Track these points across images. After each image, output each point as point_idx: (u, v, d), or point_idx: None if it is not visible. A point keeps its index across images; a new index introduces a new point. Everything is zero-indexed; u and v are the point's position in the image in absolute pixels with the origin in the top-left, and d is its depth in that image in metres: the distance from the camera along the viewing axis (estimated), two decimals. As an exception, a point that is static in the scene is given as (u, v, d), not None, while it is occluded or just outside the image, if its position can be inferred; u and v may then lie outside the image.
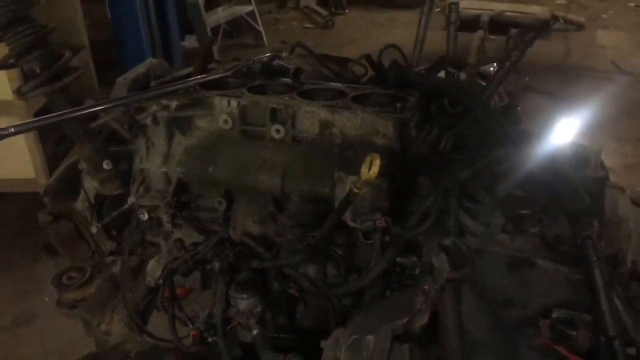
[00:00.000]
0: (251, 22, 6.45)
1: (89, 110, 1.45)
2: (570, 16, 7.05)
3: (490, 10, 6.65)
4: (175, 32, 5.34)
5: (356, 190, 1.18)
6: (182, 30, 5.64)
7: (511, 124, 1.42)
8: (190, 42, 6.00)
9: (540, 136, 1.48)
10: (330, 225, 1.26)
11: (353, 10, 7.80)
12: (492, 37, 6.19)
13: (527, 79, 5.14)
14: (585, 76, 5.68)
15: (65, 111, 1.43)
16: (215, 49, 5.54)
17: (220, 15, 6.14)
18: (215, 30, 5.99)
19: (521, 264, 1.18)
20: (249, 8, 6.35)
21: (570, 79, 5.53)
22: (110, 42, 5.05)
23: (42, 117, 1.40)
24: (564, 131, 2.04)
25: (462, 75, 1.61)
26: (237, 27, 6.63)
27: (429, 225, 1.18)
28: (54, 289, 2.85)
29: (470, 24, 6.33)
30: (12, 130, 1.27)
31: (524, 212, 1.18)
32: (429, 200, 1.20)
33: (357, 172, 1.24)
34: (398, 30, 6.89)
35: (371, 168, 1.12)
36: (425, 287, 1.12)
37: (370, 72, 1.81)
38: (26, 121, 1.38)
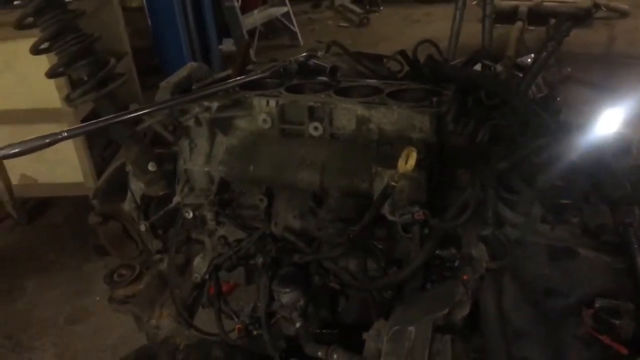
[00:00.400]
0: (286, 23, 6.50)
1: (134, 114, 1.50)
2: (613, 3, 6.83)
3: (529, 0, 6.54)
4: (213, 36, 5.42)
5: (393, 184, 1.19)
6: (219, 34, 5.73)
7: (550, 115, 1.41)
8: (228, 45, 6.08)
9: (582, 127, 1.46)
10: (369, 219, 1.29)
11: (388, 7, 7.76)
12: (531, 28, 6.08)
13: (569, 69, 5.04)
14: (630, 65, 5.50)
15: (112, 115, 1.48)
16: (252, 51, 5.62)
17: (256, 17, 6.21)
18: (251, 32, 6.06)
19: (562, 253, 1.18)
20: (284, 9, 6.41)
21: (615, 69, 5.37)
22: (151, 48, 5.18)
23: (92, 121, 1.45)
24: (609, 122, 2.00)
25: (499, 68, 1.61)
26: (272, 28, 6.69)
27: (467, 217, 1.19)
28: (104, 289, 2.95)
29: (508, 15, 6.24)
30: (65, 134, 1.33)
31: (565, 201, 1.18)
32: (467, 192, 1.21)
33: (394, 166, 1.26)
34: (434, 25, 6.81)
35: (408, 161, 1.13)
36: (465, 277, 1.13)
37: (406, 68, 1.82)
38: (77, 126, 1.44)
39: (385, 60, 1.84)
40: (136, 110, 1.51)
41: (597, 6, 6.62)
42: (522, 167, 1.23)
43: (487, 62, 1.62)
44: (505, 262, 1.11)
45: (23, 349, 2.83)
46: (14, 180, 3.56)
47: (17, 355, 2.80)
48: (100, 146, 3.64)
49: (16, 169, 3.53)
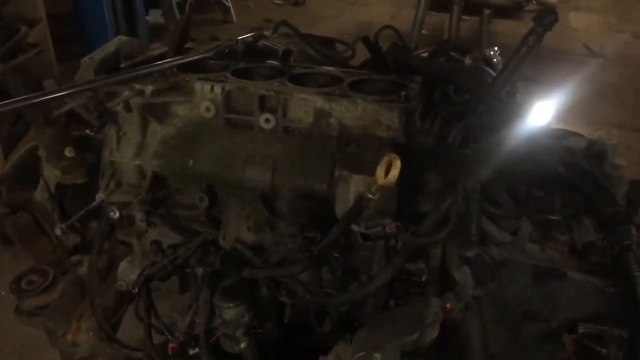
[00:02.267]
0: (219, -4, 6.23)
1: (51, 96, 1.31)
2: (541, -2, 7.03)
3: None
4: (140, 5, 5.12)
5: (370, 196, 1.04)
6: (146, 4, 5.40)
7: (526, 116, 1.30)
8: (155, 16, 5.78)
9: (551, 129, 1.37)
10: (336, 235, 1.13)
11: (325, -14, 7.61)
12: (465, 17, 6.12)
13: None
14: (558, 59, 5.66)
15: (25, 97, 1.30)
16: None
17: (187, -12, 5.89)
18: (181, 4, 5.76)
19: (548, 275, 1.08)
20: (218, -18, 6.13)
21: (543, 62, 5.50)
22: (70, 15, 4.81)
23: (1, 102, 1.23)
24: (540, 114, 1.95)
25: (467, 61, 1.49)
26: (204, 2, 6.41)
27: (447, 233, 1.06)
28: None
29: (444, 4, 6.26)
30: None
31: (553, 217, 1.07)
32: (446, 203, 1.07)
33: (361, 170, 1.12)
34: (373, 8, 6.76)
35: (390, 171, 0.98)
36: (448, 305, 1.00)
37: (359, 56, 1.69)
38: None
39: (346, 47, 1.69)
40: (54, 91, 1.32)
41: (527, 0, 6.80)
42: (503, 176, 1.11)
43: (455, 55, 1.50)
44: (492, 288, 0.99)
45: None
46: None
47: None
48: (7, 123, 3.29)
49: None
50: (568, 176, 1.10)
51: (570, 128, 1.48)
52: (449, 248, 1.10)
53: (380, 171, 1.00)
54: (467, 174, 1.05)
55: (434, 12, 5.77)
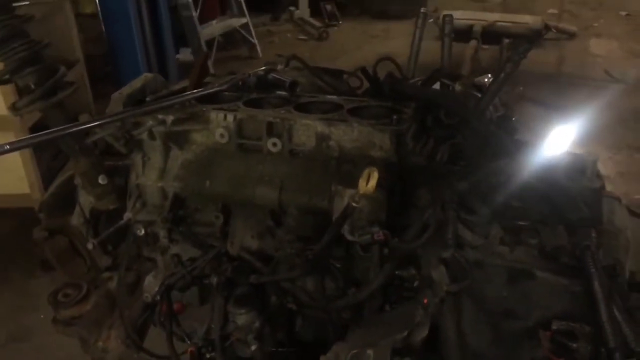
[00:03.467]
0: (245, 34, 6.45)
1: (84, 127, 1.44)
2: (562, 25, 7.10)
3: (483, 20, 6.71)
4: (170, 45, 5.34)
5: (354, 204, 1.17)
6: (176, 43, 5.64)
7: (507, 134, 1.42)
8: (185, 54, 5.99)
9: (535, 145, 1.48)
10: (328, 240, 1.26)
11: (347, 21, 7.82)
12: (485, 47, 6.23)
13: (521, 88, 5.18)
14: (579, 85, 5.71)
15: (61, 127, 1.43)
16: (210, 62, 5.55)
17: (214, 28, 6.15)
18: (209, 42, 5.99)
19: (520, 275, 1.18)
20: (243, 20, 6.36)
21: (564, 88, 5.56)
22: (105, 56, 5.06)
23: (38, 134, 1.39)
24: (559, 140, 2.04)
25: (457, 87, 1.62)
26: (231, 39, 6.63)
27: (427, 238, 1.18)
28: (50, 306, 2.83)
29: (463, 34, 6.38)
30: (8, 147, 1.26)
31: (522, 223, 1.18)
32: (427, 213, 1.19)
33: (355, 185, 1.24)
34: (392, 42, 6.91)
35: (369, 182, 1.12)
36: (425, 300, 1.11)
37: (366, 84, 1.81)
38: (22, 138, 1.37)
39: (345, 76, 1.83)
40: (87, 122, 1.45)
41: (547, 27, 6.86)
42: (480, 188, 1.22)
43: (446, 81, 1.63)
44: (466, 285, 1.10)
45: (-41, 370, 2.67)
46: (-45, 190, 3.38)
47: (-48, 377, 2.64)
48: (48, 155, 3.50)
49: (-42, 179, 3.36)
50: (540, 187, 1.21)
51: (588, 152, 1.55)
52: (429, 252, 1.22)
53: (361, 182, 1.13)
54: (445, 186, 1.17)
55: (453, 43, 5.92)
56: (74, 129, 1.42)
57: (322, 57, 6.17)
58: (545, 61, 6.10)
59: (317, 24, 7.48)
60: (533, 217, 1.20)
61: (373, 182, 1.12)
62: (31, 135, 1.39)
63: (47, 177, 3.38)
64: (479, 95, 1.61)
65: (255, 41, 6.48)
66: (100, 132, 1.52)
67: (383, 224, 1.26)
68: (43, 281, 3.12)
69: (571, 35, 6.99)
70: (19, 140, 1.36)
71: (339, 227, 1.23)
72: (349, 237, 1.27)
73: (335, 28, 7.60)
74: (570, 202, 1.17)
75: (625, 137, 4.72)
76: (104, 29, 4.97)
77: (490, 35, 6.34)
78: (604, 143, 4.54)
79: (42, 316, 2.96)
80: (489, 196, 1.20)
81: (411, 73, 1.84)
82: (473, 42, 6.12)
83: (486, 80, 1.77)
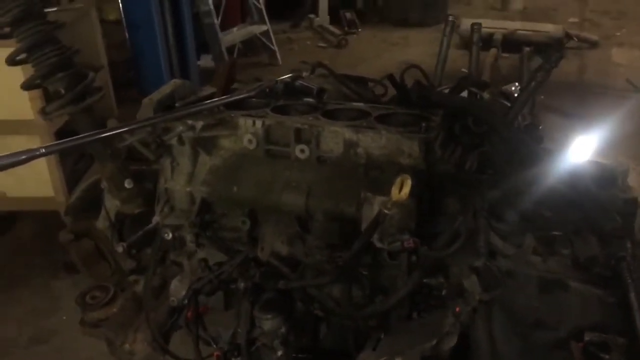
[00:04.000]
0: (266, 41, 6.50)
1: (116, 132, 1.46)
2: (583, 34, 7.04)
3: (504, 28, 6.68)
4: (192, 51, 5.40)
5: (386, 212, 1.17)
6: (197, 50, 5.70)
7: (534, 143, 1.41)
8: (206, 61, 6.06)
9: (562, 154, 1.47)
10: (359, 247, 1.26)
11: (366, 29, 7.84)
12: (505, 55, 6.20)
13: (542, 97, 5.16)
14: (601, 94, 5.66)
15: (94, 132, 1.45)
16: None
17: (235, 35, 6.21)
18: (230, 49, 6.05)
19: (553, 285, 1.17)
20: (264, 28, 6.41)
21: (586, 97, 5.51)
22: (127, 62, 5.13)
23: (72, 138, 1.41)
24: (581, 149, 2.03)
25: (486, 95, 1.61)
26: (251, 46, 6.68)
27: (458, 246, 1.17)
28: (71, 307, 2.84)
29: (483, 42, 6.35)
30: (43, 151, 1.28)
31: (555, 233, 1.17)
32: (458, 221, 1.19)
33: (384, 192, 1.24)
34: (411, 49, 6.90)
35: (402, 189, 1.12)
36: (457, 309, 1.11)
37: (391, 92, 1.81)
38: (55, 142, 1.39)
39: (371, 84, 1.83)
40: (119, 127, 1.47)
41: (569, 36, 6.81)
42: (511, 196, 1.22)
43: (474, 90, 1.63)
44: (498, 294, 1.10)
45: (-18, 370, 2.71)
46: (-19, 193, 3.44)
47: (-25, 378, 2.67)
48: (72, 159, 3.55)
49: (-17, 182, 3.41)
50: (571, 196, 1.20)
51: (617, 162, 1.54)
52: (460, 261, 1.21)
53: (394, 189, 1.13)
54: (476, 194, 1.17)
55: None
56: (107, 134, 1.44)
57: (341, 65, 6.18)
58: (567, 70, 6.06)
59: (337, 31, 7.51)
60: (565, 227, 1.19)
61: (406, 190, 1.11)
62: (64, 140, 1.40)
63: (70, 181, 3.43)
64: (507, 103, 1.61)
65: (276, 48, 6.54)
66: (130, 137, 1.54)
67: (412, 232, 1.26)
68: (65, 283, 3.17)
69: (593, 44, 6.93)
70: (52, 145, 1.38)
71: (371, 234, 1.23)
72: (378, 245, 1.27)
73: (355, 36, 7.62)
74: (602, 212, 1.16)
75: (648, 147, 4.66)
76: (127, 36, 5.04)
77: (511, 43, 6.31)
78: (627, 153, 4.47)
79: (64, 318, 2.99)
80: (520, 205, 1.19)
81: (438, 81, 1.84)
82: (493, 50, 6.09)
83: (513, 88, 1.76)
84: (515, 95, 1.77)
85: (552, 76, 1.45)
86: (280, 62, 6.49)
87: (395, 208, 1.18)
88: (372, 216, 1.27)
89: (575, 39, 6.87)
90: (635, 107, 5.21)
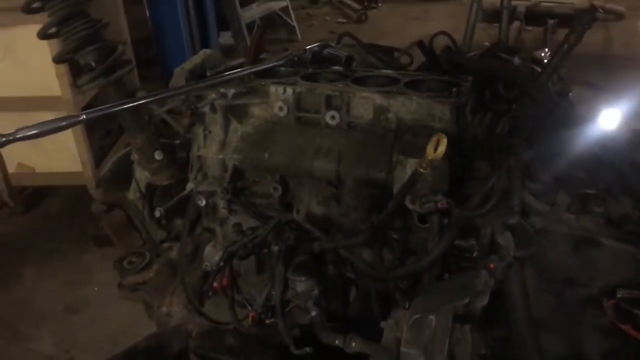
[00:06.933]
0: (285, 17, 6.48)
1: (153, 98, 1.49)
2: (609, 5, 6.87)
3: (527, 0, 6.55)
4: (213, 28, 5.40)
5: (422, 170, 1.19)
6: (217, 27, 5.70)
7: (568, 106, 1.41)
8: (225, 38, 6.06)
9: (592, 119, 1.47)
10: (393, 206, 1.28)
11: (386, 3, 7.75)
12: (528, 28, 6.10)
13: (565, 69, 5.07)
14: (627, 66, 5.55)
15: (131, 99, 1.48)
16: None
17: (255, 11, 6.19)
18: (249, 26, 6.04)
19: (586, 243, 1.18)
20: (283, 3, 6.39)
21: (612, 69, 5.41)
22: (148, 40, 5.14)
23: (111, 104, 1.44)
24: (607, 122, 2.01)
25: (516, 61, 1.61)
26: (271, 22, 6.66)
27: (492, 205, 1.19)
28: (102, 279, 2.93)
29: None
30: (84, 117, 1.32)
31: (589, 191, 1.18)
32: (491, 180, 1.20)
33: (417, 155, 1.26)
34: (432, 23, 6.81)
35: (438, 147, 1.13)
36: (492, 265, 1.13)
37: (416, 62, 1.81)
38: (95, 108, 1.42)
39: (397, 53, 1.83)
40: (154, 95, 1.50)
41: (594, 7, 6.65)
42: (545, 157, 1.23)
43: (504, 55, 1.63)
44: (532, 251, 1.11)
45: (21, 338, 2.79)
46: (11, 168, 3.51)
47: (15, 345, 2.76)
48: (99, 134, 3.61)
49: (13, 158, 3.48)
50: (605, 157, 1.21)
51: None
52: (494, 219, 1.23)
53: (430, 148, 1.15)
54: (512, 155, 1.18)
55: (495, 24, 5.82)
56: (144, 101, 1.47)
57: (362, 40, 6.13)
58: (592, 42, 5.94)
59: (356, 6, 7.43)
60: (600, 186, 1.20)
61: (442, 148, 1.13)
62: (103, 106, 1.44)
63: (97, 156, 3.48)
64: (538, 69, 1.61)
65: (295, 24, 6.52)
66: (167, 104, 1.57)
67: (445, 193, 1.28)
68: (96, 256, 3.24)
69: (619, 16, 6.76)
70: (92, 110, 1.40)
71: (406, 192, 1.25)
72: (410, 207, 1.29)
73: (375, 10, 7.54)
74: (636, 172, 1.17)
75: (676, 118, 4.58)
76: (147, 13, 5.04)
77: (534, 16, 6.19)
78: (654, 125, 4.42)
79: (95, 289, 3.07)
80: (554, 165, 1.20)
81: (467, 49, 1.83)
82: (516, 23, 6.00)
83: (543, 54, 1.75)
84: (545, 61, 1.76)
85: (577, 48, 1.44)
86: (300, 38, 6.47)
87: (430, 168, 1.20)
88: (404, 178, 1.29)
89: (600, 10, 6.70)
90: (662, 79, 5.11)
